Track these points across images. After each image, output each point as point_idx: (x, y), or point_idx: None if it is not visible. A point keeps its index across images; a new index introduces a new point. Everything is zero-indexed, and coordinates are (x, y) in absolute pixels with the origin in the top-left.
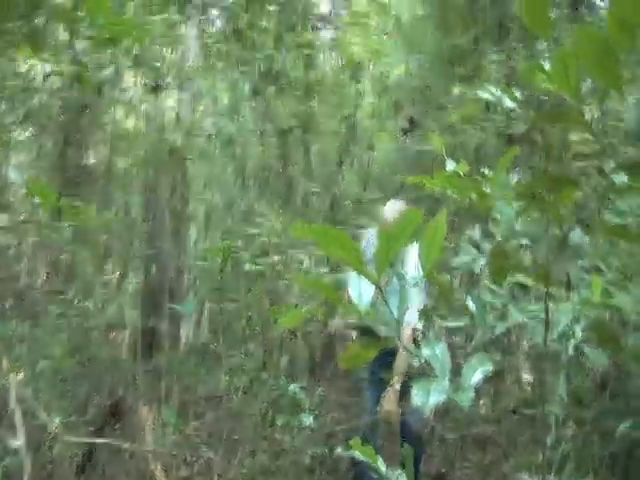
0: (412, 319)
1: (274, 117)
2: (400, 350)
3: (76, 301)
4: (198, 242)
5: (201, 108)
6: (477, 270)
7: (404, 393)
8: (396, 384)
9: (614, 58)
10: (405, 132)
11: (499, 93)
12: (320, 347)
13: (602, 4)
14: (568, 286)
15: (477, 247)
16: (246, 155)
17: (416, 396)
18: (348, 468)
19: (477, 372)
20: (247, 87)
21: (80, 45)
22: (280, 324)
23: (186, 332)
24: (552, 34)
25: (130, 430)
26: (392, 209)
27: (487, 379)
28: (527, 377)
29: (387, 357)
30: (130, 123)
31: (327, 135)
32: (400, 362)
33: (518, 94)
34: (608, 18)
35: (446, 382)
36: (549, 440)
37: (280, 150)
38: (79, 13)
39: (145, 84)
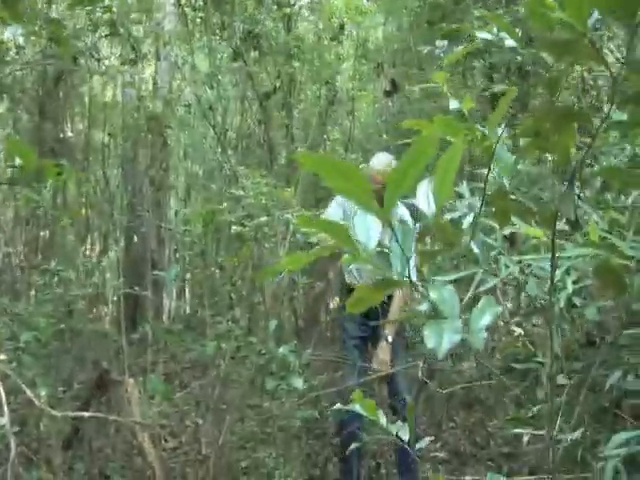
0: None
1: (255, 81)
2: (395, 300)
3: (57, 273)
4: (179, 210)
5: (179, 77)
6: (466, 225)
7: (393, 348)
8: (389, 335)
9: None
10: (387, 94)
11: (498, 32)
12: (304, 311)
13: None
14: (576, 226)
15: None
16: (227, 121)
17: (428, 339)
18: (336, 432)
19: (486, 315)
20: (226, 52)
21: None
22: (261, 282)
23: (169, 301)
24: None
25: (116, 403)
26: (380, 161)
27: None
28: (519, 330)
29: (371, 316)
30: (108, 94)
31: (309, 98)
32: (394, 312)
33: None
34: None
35: (459, 322)
36: (540, 394)
37: (262, 114)
38: None
39: (122, 54)
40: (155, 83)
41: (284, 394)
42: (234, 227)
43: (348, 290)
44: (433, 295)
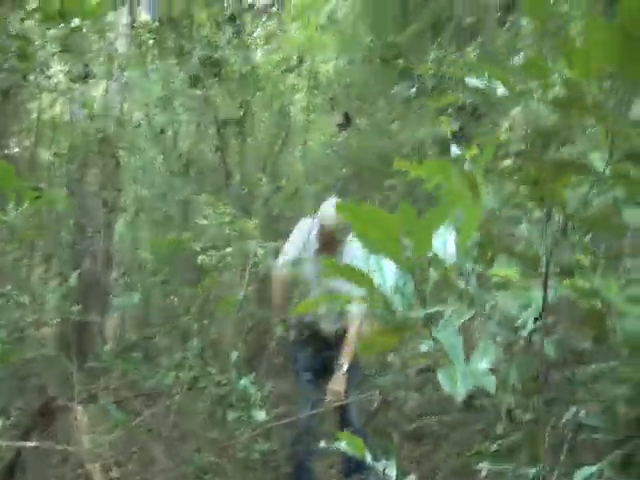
0: (362, 310)
1: (214, 108)
2: (350, 334)
3: (11, 297)
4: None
5: (131, 98)
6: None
7: (348, 379)
8: (344, 366)
9: (632, 47)
10: (341, 127)
11: (490, 81)
12: (254, 342)
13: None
14: (569, 272)
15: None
16: (179, 145)
17: (444, 385)
18: (290, 464)
19: (486, 358)
20: (181, 77)
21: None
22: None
23: (114, 327)
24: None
25: (64, 431)
26: (328, 208)
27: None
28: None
29: (325, 352)
30: (56, 111)
31: (263, 129)
32: (350, 343)
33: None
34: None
35: (472, 367)
36: (499, 429)
37: (219, 141)
38: None
39: (71, 71)
40: (105, 103)
41: (242, 426)
42: (200, 257)
43: (299, 321)
44: (441, 337)
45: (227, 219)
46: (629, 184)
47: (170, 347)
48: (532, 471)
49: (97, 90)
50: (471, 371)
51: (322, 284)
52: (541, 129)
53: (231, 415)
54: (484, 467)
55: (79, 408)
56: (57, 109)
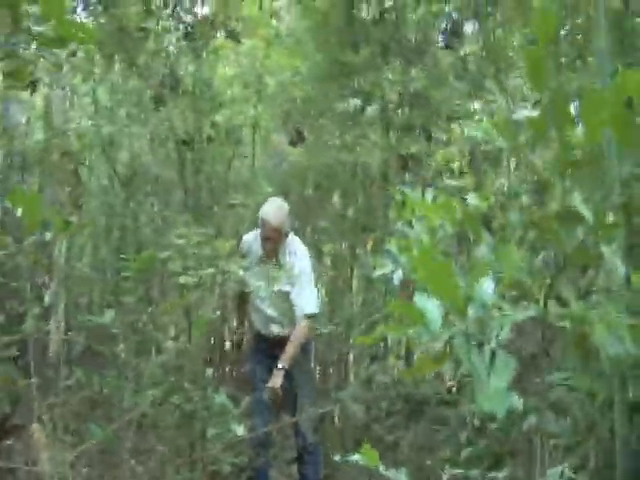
0: (307, 310)
1: (168, 124)
2: (293, 335)
3: None
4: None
5: (76, 108)
6: (396, 282)
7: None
8: (282, 363)
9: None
10: (292, 143)
11: (488, 133)
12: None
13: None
14: (567, 304)
15: (394, 260)
16: (131, 160)
17: (482, 404)
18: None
19: (505, 375)
20: (132, 89)
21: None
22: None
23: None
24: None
25: (20, 451)
26: (271, 207)
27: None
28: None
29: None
30: None
31: (215, 144)
32: (290, 349)
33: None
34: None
35: (495, 386)
36: (462, 437)
37: (177, 156)
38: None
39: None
40: (47, 111)
41: (219, 440)
42: (182, 277)
43: (257, 334)
44: (470, 359)
45: (203, 239)
46: (607, 229)
47: (137, 363)
48: (500, 475)
49: (39, 98)
50: (498, 391)
51: (268, 290)
52: (542, 181)
53: (211, 431)
54: (448, 472)
55: (36, 426)
56: None
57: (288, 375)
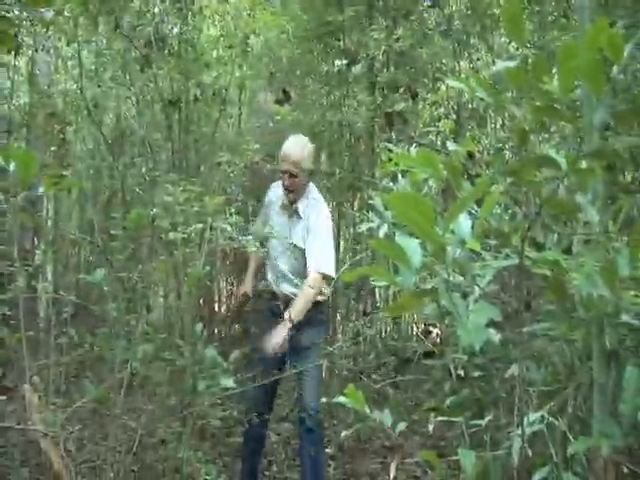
0: (321, 268)
1: (154, 85)
2: (302, 292)
3: None
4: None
5: (61, 70)
6: (381, 235)
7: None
8: (287, 318)
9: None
10: (279, 102)
11: (469, 82)
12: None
13: None
14: (541, 248)
15: (380, 215)
16: (117, 122)
17: (462, 337)
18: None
19: (484, 315)
20: (118, 52)
21: None
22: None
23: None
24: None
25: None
26: (291, 144)
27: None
28: (435, 331)
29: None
30: None
31: (202, 105)
32: (298, 303)
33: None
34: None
35: (474, 323)
36: (446, 387)
37: (164, 117)
38: None
39: None
40: (31, 74)
41: (208, 394)
42: (171, 233)
43: (268, 292)
44: (444, 301)
45: (193, 195)
46: (581, 175)
47: (127, 321)
48: (483, 422)
49: (21, 59)
50: (476, 326)
51: (285, 243)
52: (519, 129)
53: (201, 385)
54: (432, 422)
55: (27, 386)
56: None
57: (293, 337)
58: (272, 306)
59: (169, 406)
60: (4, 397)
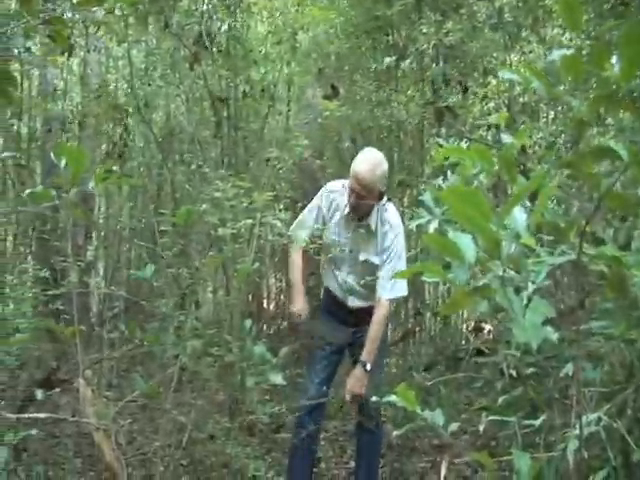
0: (395, 293)
1: (203, 83)
2: (375, 323)
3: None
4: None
5: (112, 70)
6: (431, 231)
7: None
8: (367, 363)
9: None
10: (327, 97)
11: (525, 74)
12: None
13: None
14: (601, 242)
15: (430, 211)
16: (167, 120)
17: (518, 335)
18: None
19: (540, 313)
20: (167, 51)
21: None
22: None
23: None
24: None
25: (65, 404)
26: (362, 161)
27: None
28: (488, 327)
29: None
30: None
31: (250, 101)
32: (371, 344)
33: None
34: None
35: (530, 321)
36: (499, 385)
37: (215, 115)
38: None
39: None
40: (83, 76)
41: (252, 391)
42: (220, 229)
43: (329, 295)
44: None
45: (242, 191)
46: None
47: (177, 316)
48: (536, 422)
49: (74, 60)
50: (533, 324)
51: (353, 254)
52: (576, 120)
53: (250, 381)
54: (483, 421)
55: (81, 380)
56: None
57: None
58: (333, 310)
59: (218, 402)
60: (58, 389)
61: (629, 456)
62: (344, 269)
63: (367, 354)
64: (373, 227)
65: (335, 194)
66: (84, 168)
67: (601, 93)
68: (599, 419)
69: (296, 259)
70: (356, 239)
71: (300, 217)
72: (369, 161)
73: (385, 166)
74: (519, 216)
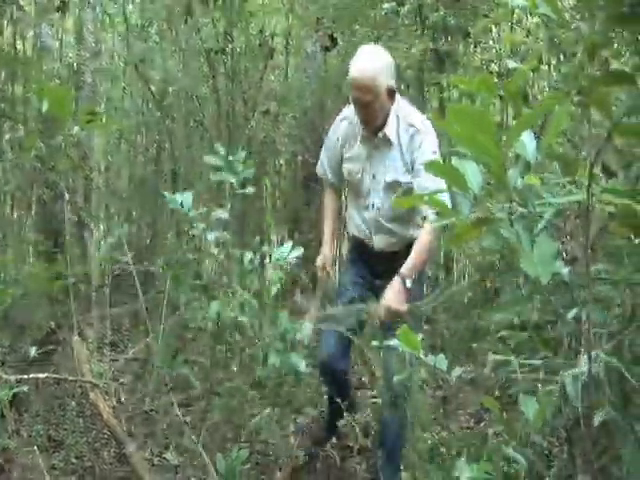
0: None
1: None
2: (421, 241)
3: None
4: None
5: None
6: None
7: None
8: (407, 280)
9: None
10: (326, 49)
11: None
12: None
13: None
14: (613, 174)
15: None
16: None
17: (527, 269)
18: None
19: (550, 246)
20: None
21: None
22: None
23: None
24: None
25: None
26: (361, 55)
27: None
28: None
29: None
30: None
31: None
32: (414, 258)
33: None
34: None
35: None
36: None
37: (209, 69)
38: None
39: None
40: (78, 33)
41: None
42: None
43: (355, 242)
44: (507, 234)
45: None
46: None
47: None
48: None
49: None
50: (543, 257)
51: (378, 179)
52: (588, 43)
53: (272, 359)
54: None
55: (75, 338)
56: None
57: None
58: (360, 261)
59: (221, 359)
60: (55, 348)
61: (628, 395)
62: (369, 201)
63: (408, 269)
64: (394, 137)
65: (348, 119)
66: (68, 110)
67: (613, 12)
68: (597, 356)
69: (326, 201)
70: (377, 159)
71: (321, 156)
72: (363, 55)
73: (386, 57)
74: (529, 142)
